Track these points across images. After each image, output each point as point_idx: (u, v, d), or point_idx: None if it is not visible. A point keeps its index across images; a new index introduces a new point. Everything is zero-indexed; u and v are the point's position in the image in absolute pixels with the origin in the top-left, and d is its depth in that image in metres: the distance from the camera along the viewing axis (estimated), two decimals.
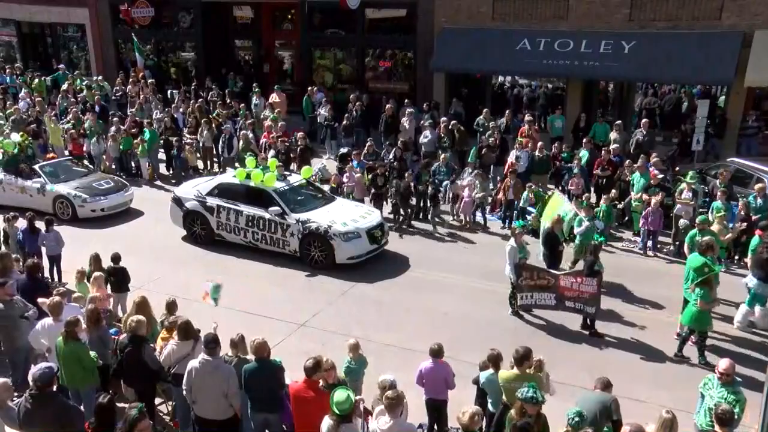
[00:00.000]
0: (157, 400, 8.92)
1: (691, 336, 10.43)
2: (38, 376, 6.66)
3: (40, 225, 12.99)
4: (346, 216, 13.92)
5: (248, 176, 14.41)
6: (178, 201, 15.09)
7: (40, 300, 9.43)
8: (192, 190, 15.13)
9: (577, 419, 6.31)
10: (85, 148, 19.60)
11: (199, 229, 14.83)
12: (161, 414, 8.99)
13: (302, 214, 13.82)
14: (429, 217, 15.98)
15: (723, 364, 7.50)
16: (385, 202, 16.17)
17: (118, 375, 8.52)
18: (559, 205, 13.26)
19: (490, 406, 7.90)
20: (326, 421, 6.48)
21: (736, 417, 6.87)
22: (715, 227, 12.19)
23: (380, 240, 14.03)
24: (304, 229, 13.61)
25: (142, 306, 9.26)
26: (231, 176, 15.12)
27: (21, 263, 11.43)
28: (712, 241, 10.76)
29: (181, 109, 21.94)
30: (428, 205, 16.05)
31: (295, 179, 15.06)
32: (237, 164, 18.55)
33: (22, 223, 13.03)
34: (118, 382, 8.93)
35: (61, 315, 8.57)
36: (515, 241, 11.63)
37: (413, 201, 16.02)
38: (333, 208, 14.31)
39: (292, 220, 13.72)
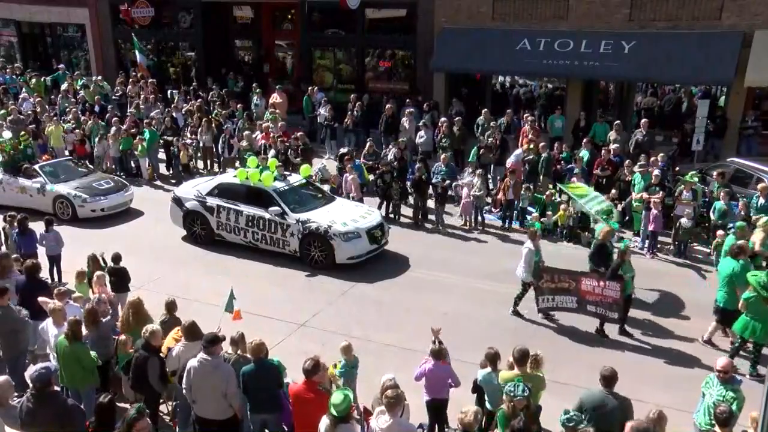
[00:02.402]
0: None
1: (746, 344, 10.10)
2: (35, 377, 6.67)
3: (35, 226, 12.92)
4: (346, 216, 13.91)
5: (248, 176, 14.39)
6: (178, 201, 15.07)
7: (41, 299, 9.42)
8: (192, 190, 15.12)
9: (565, 418, 6.32)
10: (86, 149, 19.61)
11: (199, 229, 14.81)
12: (161, 414, 8.98)
13: (302, 214, 13.81)
14: (435, 216, 15.96)
15: (721, 362, 7.53)
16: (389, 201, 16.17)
17: (126, 371, 8.55)
18: (584, 195, 13.06)
19: (487, 405, 7.91)
20: (324, 422, 6.52)
21: (734, 415, 6.87)
22: (758, 236, 11.65)
23: (380, 240, 14.01)
24: (304, 229, 13.59)
25: (138, 306, 9.28)
26: (231, 176, 15.12)
27: (20, 263, 11.42)
28: (744, 244, 10.60)
29: (183, 110, 21.89)
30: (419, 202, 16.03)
31: (295, 179, 15.04)
32: (238, 164, 18.62)
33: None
34: (119, 381, 8.95)
35: (63, 321, 8.51)
36: (532, 243, 11.43)
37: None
38: (333, 208, 14.30)
39: (292, 220, 13.71)
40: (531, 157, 16.64)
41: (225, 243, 14.57)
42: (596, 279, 10.85)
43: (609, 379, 7.07)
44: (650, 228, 14.07)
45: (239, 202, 14.30)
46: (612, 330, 11.13)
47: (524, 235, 15.09)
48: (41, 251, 12.65)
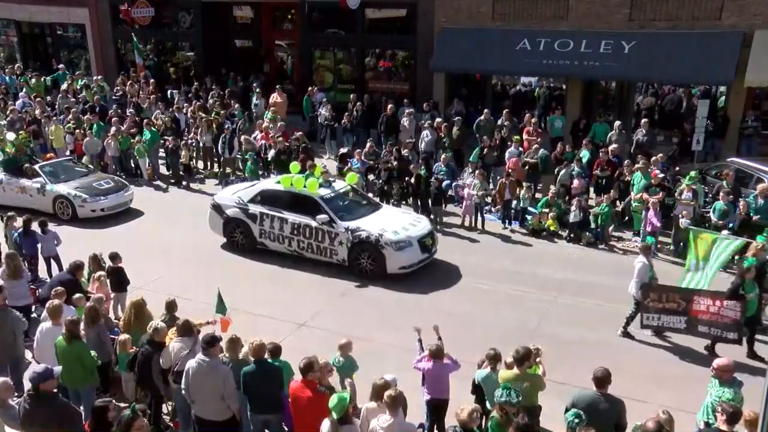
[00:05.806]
0: None
1: None
2: (30, 379, 6.69)
3: (34, 226, 12.92)
4: (396, 224, 13.40)
5: (293, 183, 13.85)
6: (217, 208, 14.55)
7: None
8: (232, 196, 14.56)
9: (576, 421, 6.32)
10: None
11: (240, 237, 14.34)
12: (161, 414, 8.98)
13: (351, 222, 13.32)
14: (431, 216, 15.93)
15: (718, 362, 7.56)
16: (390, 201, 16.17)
17: (131, 367, 8.57)
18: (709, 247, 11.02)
19: (488, 405, 7.90)
20: (326, 424, 6.59)
21: (740, 414, 6.87)
22: None
23: (431, 248, 13.55)
24: (354, 237, 13.10)
25: (139, 306, 9.26)
26: (274, 182, 14.62)
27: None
28: None
29: (185, 110, 21.83)
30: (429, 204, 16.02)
31: (341, 185, 14.50)
32: (239, 164, 18.62)
33: (20, 223, 12.98)
34: (119, 382, 8.95)
35: (60, 318, 8.50)
36: (646, 258, 10.97)
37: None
38: (381, 216, 13.81)
39: (341, 229, 13.21)
40: (529, 158, 16.62)
41: (227, 243, 14.54)
42: (711, 298, 10.29)
43: (601, 380, 6.98)
44: (647, 229, 14.08)
45: (283, 209, 13.78)
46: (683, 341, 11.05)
47: (525, 236, 15.24)
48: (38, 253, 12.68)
